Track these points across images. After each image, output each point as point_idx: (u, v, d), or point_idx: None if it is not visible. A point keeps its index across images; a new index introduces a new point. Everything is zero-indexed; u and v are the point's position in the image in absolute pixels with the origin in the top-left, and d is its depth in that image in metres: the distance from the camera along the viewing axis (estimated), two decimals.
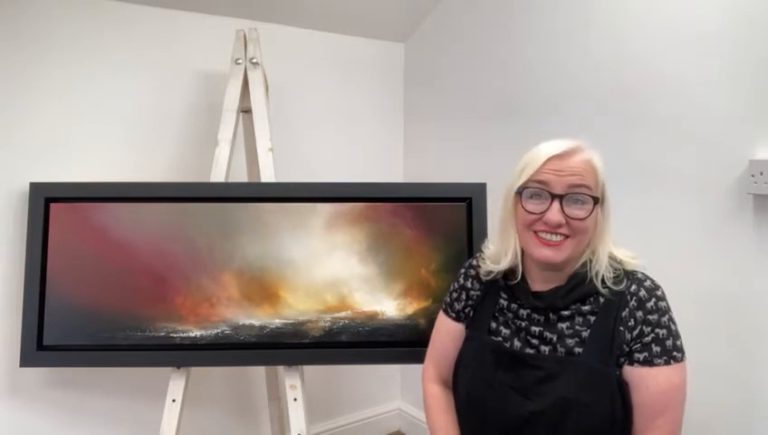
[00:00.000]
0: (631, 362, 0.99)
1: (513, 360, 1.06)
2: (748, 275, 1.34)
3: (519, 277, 1.09)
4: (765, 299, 1.31)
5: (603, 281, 1.02)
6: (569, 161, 1.01)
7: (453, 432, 1.17)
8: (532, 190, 1.02)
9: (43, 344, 1.51)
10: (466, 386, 1.11)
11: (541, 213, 1.01)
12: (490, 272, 1.14)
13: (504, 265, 1.10)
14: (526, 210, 1.03)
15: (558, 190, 1.00)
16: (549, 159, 1.01)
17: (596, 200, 1.01)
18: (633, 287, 1.02)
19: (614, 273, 1.03)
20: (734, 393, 1.37)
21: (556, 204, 1.00)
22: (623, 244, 1.09)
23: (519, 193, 1.04)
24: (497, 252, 1.13)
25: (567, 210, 1.00)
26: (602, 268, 1.03)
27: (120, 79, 1.79)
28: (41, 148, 1.68)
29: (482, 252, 1.19)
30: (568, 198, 1.00)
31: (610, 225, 1.06)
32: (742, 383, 1.36)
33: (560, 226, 1.00)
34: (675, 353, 0.98)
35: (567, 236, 1.01)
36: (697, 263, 1.43)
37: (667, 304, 1.02)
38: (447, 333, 1.22)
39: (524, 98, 1.88)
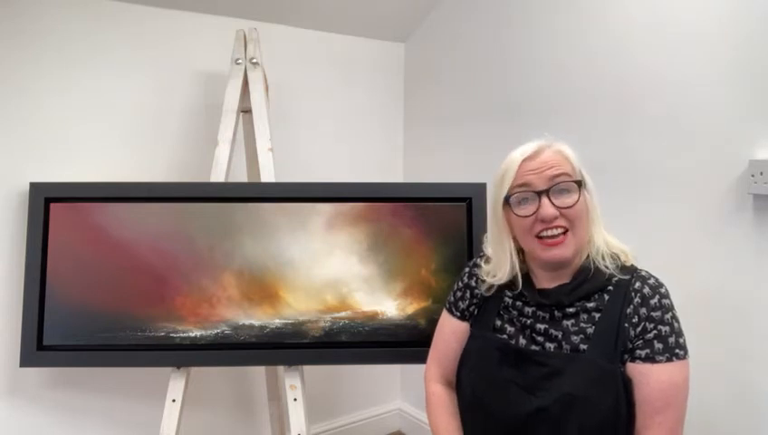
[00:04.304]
0: (633, 359, 0.99)
1: (518, 357, 1.07)
2: (748, 275, 1.34)
3: (519, 289, 1.10)
4: (765, 299, 1.31)
5: (607, 269, 1.04)
6: (542, 158, 1.05)
7: (455, 434, 1.16)
8: (519, 196, 1.05)
9: (43, 344, 1.51)
10: (471, 384, 1.11)
11: (533, 213, 1.02)
12: (490, 287, 1.15)
13: (501, 277, 1.11)
14: (519, 216, 1.04)
15: (541, 186, 1.02)
16: (523, 162, 1.05)
17: (579, 184, 1.03)
18: (637, 284, 1.03)
19: (613, 262, 1.05)
20: (734, 393, 1.37)
21: (545, 199, 1.02)
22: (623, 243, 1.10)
23: (507, 203, 1.06)
24: (493, 266, 1.14)
25: (556, 202, 1.02)
26: (600, 254, 1.05)
27: (120, 79, 1.79)
28: (41, 148, 1.68)
29: (484, 253, 1.19)
30: (553, 190, 1.02)
31: (598, 209, 1.08)
32: (741, 383, 1.36)
33: (555, 218, 1.01)
34: (677, 351, 0.98)
35: (566, 230, 1.02)
36: (697, 263, 1.43)
37: (670, 301, 1.02)
38: (452, 333, 1.22)
39: (524, 98, 1.88)
